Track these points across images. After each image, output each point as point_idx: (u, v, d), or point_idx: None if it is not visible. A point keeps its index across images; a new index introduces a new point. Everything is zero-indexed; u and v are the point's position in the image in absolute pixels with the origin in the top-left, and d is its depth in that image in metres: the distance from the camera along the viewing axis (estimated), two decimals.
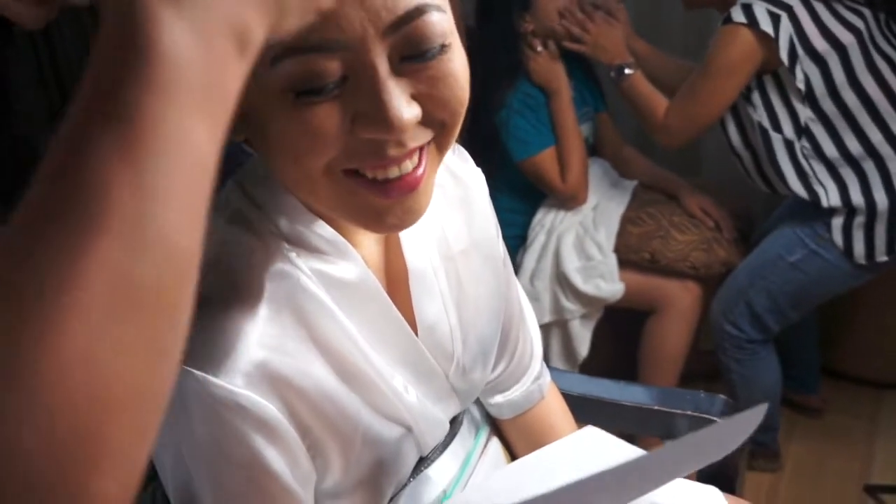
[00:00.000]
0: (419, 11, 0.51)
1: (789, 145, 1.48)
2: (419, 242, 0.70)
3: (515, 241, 1.84)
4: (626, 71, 1.66)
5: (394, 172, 0.54)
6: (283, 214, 0.61)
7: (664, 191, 1.86)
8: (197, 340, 0.56)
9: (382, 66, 0.51)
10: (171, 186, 0.33)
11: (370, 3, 0.49)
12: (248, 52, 0.36)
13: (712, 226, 1.76)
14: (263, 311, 0.58)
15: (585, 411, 1.04)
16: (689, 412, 1.04)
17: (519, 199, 1.83)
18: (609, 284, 1.73)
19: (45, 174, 0.32)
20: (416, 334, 0.68)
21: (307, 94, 0.50)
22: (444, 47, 0.53)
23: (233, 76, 0.35)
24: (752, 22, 1.42)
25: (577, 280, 1.73)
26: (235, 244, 0.60)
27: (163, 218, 0.33)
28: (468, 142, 1.86)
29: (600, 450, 0.81)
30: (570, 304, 1.76)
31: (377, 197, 0.55)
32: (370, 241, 0.67)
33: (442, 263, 0.72)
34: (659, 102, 1.61)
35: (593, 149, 1.92)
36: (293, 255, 0.61)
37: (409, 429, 0.68)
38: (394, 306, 0.66)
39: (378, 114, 0.51)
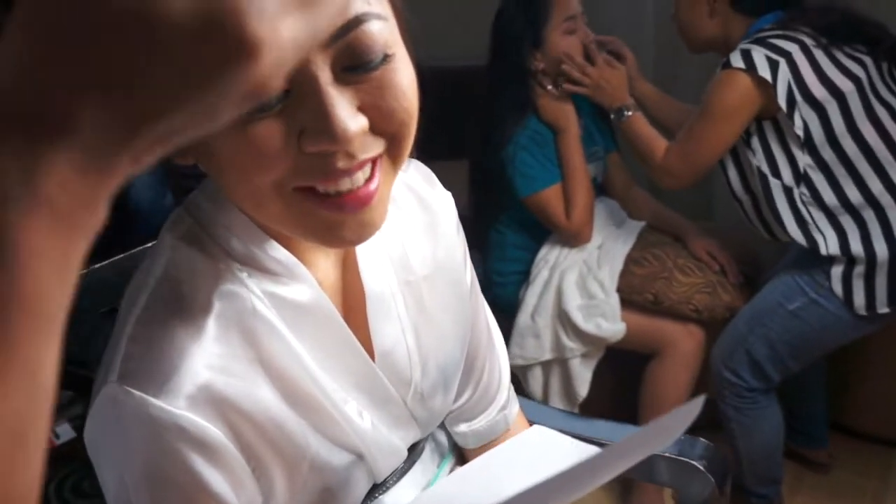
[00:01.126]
0: (358, 21, 0.51)
1: (788, 192, 1.47)
2: (377, 265, 0.69)
3: (519, 276, 1.84)
4: (626, 113, 1.67)
5: (345, 185, 0.54)
6: (235, 234, 0.61)
7: (671, 233, 1.84)
8: (140, 357, 0.56)
9: (325, 77, 0.50)
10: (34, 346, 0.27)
11: None
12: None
13: (717, 269, 1.74)
14: (210, 331, 0.58)
15: None
16: (669, 454, 1.02)
17: (524, 234, 1.84)
18: (610, 324, 1.71)
19: None
20: (373, 358, 0.68)
21: (249, 111, 0.51)
22: (387, 57, 0.53)
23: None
24: (751, 67, 1.42)
25: (578, 318, 1.71)
26: (184, 263, 0.60)
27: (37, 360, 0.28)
28: (474, 176, 1.89)
29: (547, 447, 0.81)
30: (570, 343, 1.74)
31: (330, 212, 0.54)
32: (326, 263, 0.67)
33: (401, 287, 0.71)
34: (658, 144, 1.61)
35: (601, 188, 1.92)
36: (244, 275, 0.60)
37: (360, 456, 0.67)
38: (348, 329, 0.65)
39: (322, 126, 0.50)
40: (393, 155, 0.56)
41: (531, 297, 1.78)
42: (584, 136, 1.80)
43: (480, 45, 1.80)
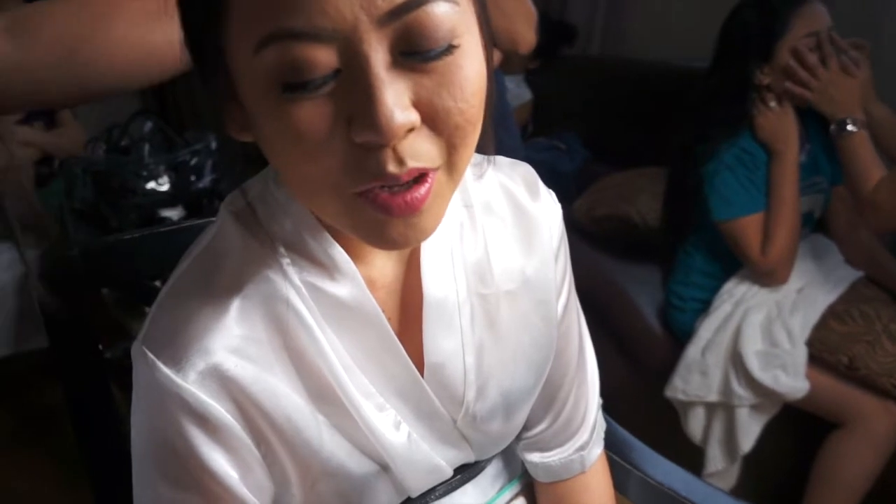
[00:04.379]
0: (421, 0, 0.46)
1: None
2: (445, 270, 0.64)
3: (699, 304, 1.68)
4: (849, 127, 1.43)
5: (395, 188, 0.49)
6: (290, 221, 0.59)
7: (892, 291, 1.57)
8: (162, 324, 0.57)
9: (378, 58, 0.46)
10: None
11: None
12: None
13: None
14: (234, 311, 0.57)
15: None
16: None
17: (714, 260, 1.67)
18: (790, 379, 1.51)
19: None
20: (423, 369, 0.64)
21: (293, 88, 0.46)
22: (451, 48, 0.48)
23: None
24: None
25: (754, 365, 1.53)
26: (229, 239, 0.60)
27: None
28: (671, 187, 1.76)
29: None
30: (740, 390, 1.56)
31: (378, 212, 0.50)
32: (386, 261, 0.63)
33: (472, 298, 0.66)
34: (875, 173, 1.37)
35: (818, 224, 1.69)
36: (286, 261, 0.58)
37: (384, 466, 0.64)
38: (392, 334, 0.61)
39: (368, 113, 0.46)
40: (448, 165, 0.51)
41: (706, 330, 1.62)
42: (807, 163, 1.59)
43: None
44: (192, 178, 2.05)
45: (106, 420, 0.83)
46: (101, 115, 2.54)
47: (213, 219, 0.63)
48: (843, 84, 1.46)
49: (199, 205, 2.03)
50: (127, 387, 0.76)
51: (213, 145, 2.14)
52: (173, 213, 2.01)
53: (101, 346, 0.83)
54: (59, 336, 0.79)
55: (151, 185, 2.00)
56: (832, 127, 1.48)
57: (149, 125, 2.13)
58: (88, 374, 0.81)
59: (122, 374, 0.91)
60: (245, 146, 0.57)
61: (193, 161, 2.07)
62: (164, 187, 2.01)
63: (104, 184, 2.00)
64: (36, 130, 2.39)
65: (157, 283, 0.95)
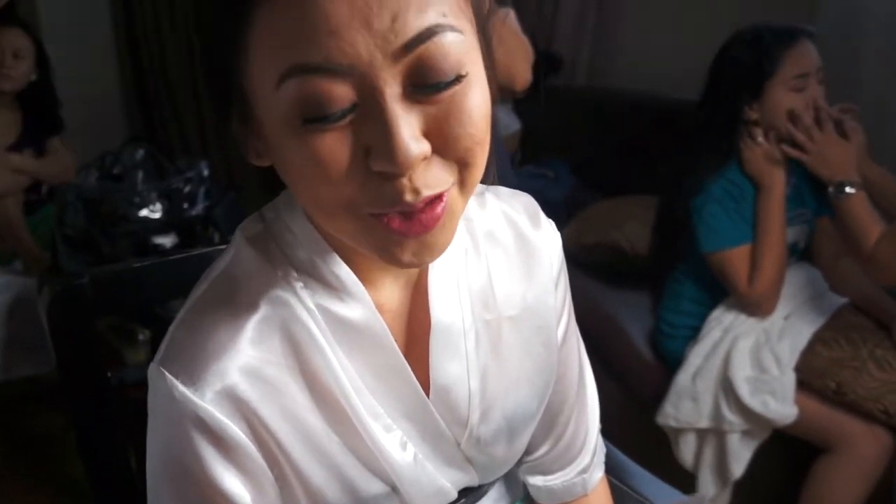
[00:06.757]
0: (431, 33, 0.49)
1: None
2: (451, 296, 0.66)
3: (690, 331, 1.71)
4: (848, 190, 1.47)
5: (409, 207, 0.52)
6: (302, 244, 0.61)
7: (877, 317, 1.61)
8: (180, 346, 0.58)
9: (391, 93, 0.49)
10: None
11: (377, 26, 0.47)
12: None
13: None
14: (250, 333, 0.58)
15: None
16: None
17: (704, 289, 1.70)
18: (779, 405, 1.53)
19: None
20: (429, 392, 0.65)
21: (313, 121, 0.49)
22: (459, 78, 0.50)
23: None
24: None
25: (743, 391, 1.55)
26: (245, 263, 0.61)
27: None
28: (660, 217, 1.79)
29: None
30: (730, 415, 1.58)
31: (392, 232, 0.52)
32: (393, 286, 0.65)
33: (477, 324, 0.68)
34: (874, 230, 1.40)
35: (804, 254, 1.73)
36: (299, 284, 0.60)
37: (393, 488, 0.65)
38: (401, 356, 0.63)
39: (386, 145, 0.48)
40: (460, 182, 0.54)
41: (696, 356, 1.65)
42: (791, 195, 1.63)
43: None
44: (185, 205, 2.06)
45: (113, 447, 0.83)
46: (92, 142, 2.55)
47: (221, 246, 0.65)
48: (839, 146, 1.49)
49: (192, 232, 2.04)
50: (126, 414, 0.77)
51: (206, 173, 2.16)
52: (166, 241, 2.01)
53: (109, 374, 0.83)
54: (68, 363, 0.80)
55: (144, 212, 2.01)
56: (830, 189, 1.50)
57: (141, 152, 2.14)
58: (98, 402, 0.81)
59: (120, 402, 0.92)
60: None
61: (186, 188, 2.08)
62: (157, 214, 2.02)
63: (96, 211, 2.01)
64: (26, 157, 2.39)
65: (158, 310, 0.96)
